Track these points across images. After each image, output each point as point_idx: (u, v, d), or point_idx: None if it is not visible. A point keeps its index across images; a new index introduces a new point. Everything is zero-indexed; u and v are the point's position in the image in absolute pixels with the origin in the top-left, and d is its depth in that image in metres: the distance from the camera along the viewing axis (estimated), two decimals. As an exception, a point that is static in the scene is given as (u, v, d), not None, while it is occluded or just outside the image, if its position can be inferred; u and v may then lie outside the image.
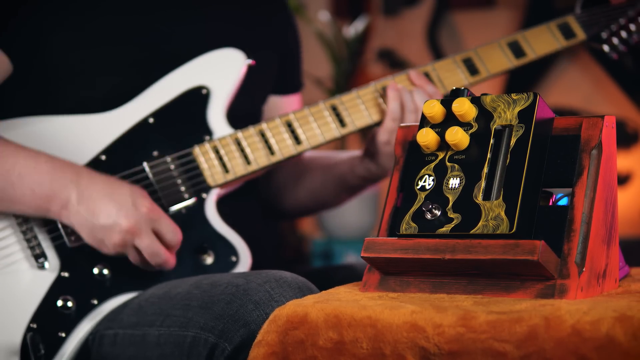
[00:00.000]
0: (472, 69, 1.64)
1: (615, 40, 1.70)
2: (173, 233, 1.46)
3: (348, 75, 3.95)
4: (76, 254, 1.49)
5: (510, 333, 0.94)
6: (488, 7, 3.88)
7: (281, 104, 1.79)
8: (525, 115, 1.09)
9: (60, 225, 1.48)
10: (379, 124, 1.62)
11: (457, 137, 1.09)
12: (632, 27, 1.69)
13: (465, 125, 1.11)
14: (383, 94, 1.62)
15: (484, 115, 1.11)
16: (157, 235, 1.45)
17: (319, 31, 3.85)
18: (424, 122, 1.14)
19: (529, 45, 1.66)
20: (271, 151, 1.58)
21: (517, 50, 1.65)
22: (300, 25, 1.90)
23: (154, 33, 1.60)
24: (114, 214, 1.42)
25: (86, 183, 1.43)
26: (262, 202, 1.82)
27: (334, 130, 1.60)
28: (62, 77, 1.55)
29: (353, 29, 3.96)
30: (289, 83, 1.82)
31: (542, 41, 1.67)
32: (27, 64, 1.54)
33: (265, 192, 1.83)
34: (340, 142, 3.63)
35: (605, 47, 1.70)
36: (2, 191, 1.43)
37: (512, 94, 1.11)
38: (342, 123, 1.61)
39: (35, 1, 1.55)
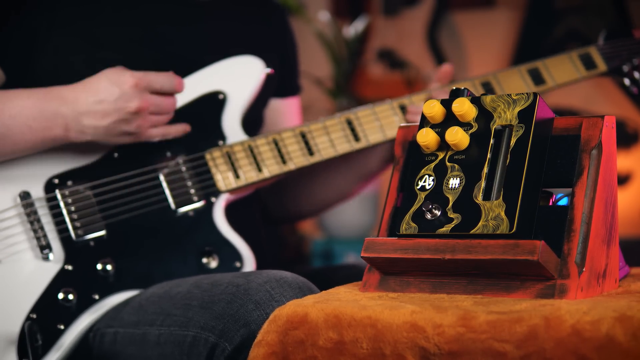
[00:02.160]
0: (490, 94, 1.64)
1: (636, 75, 1.69)
2: (168, 81, 1.49)
3: (348, 75, 3.95)
4: (81, 248, 1.49)
5: (510, 333, 0.94)
6: (488, 7, 3.88)
7: (282, 107, 1.80)
8: (525, 115, 1.09)
9: (67, 218, 1.49)
10: (392, 140, 1.63)
11: (457, 137, 1.09)
12: None
13: (465, 125, 1.11)
14: (399, 112, 1.62)
15: (484, 115, 1.11)
16: (159, 92, 1.49)
17: (319, 31, 3.85)
18: (424, 122, 1.14)
19: (549, 73, 1.66)
20: (283, 160, 1.58)
21: (536, 77, 1.66)
22: (300, 25, 1.91)
23: (156, 33, 1.60)
24: (115, 111, 1.44)
25: (72, 98, 1.45)
26: (275, 210, 1.82)
27: (347, 144, 1.61)
28: (60, 80, 1.55)
29: (353, 29, 3.96)
30: (289, 86, 1.82)
31: (563, 70, 1.66)
32: (23, 68, 1.54)
33: (278, 200, 1.83)
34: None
35: (626, 81, 1.70)
36: (1, 136, 1.44)
37: (512, 94, 1.11)
38: (356, 138, 1.62)
39: (31, 3, 1.55)
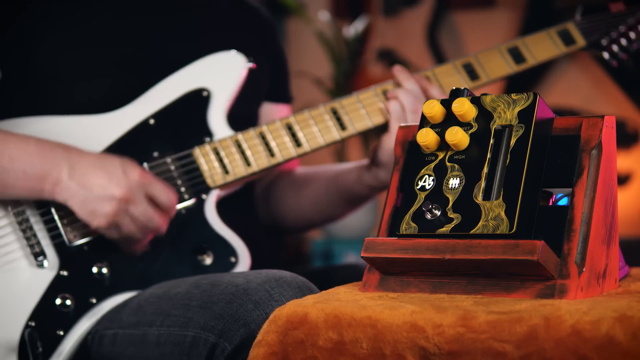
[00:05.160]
0: (472, 74, 1.64)
1: (615, 48, 1.70)
2: (167, 195, 1.47)
3: (348, 75, 3.96)
4: (75, 253, 1.49)
5: (510, 333, 0.94)
6: (488, 7, 3.88)
7: (273, 111, 1.79)
8: (525, 115, 1.09)
9: (59, 224, 1.49)
10: (378, 127, 1.62)
11: (457, 137, 1.09)
12: (632, 34, 1.70)
13: (465, 125, 1.11)
14: (384, 98, 1.62)
15: (484, 115, 1.11)
16: (151, 199, 1.46)
17: (319, 31, 3.85)
18: (424, 122, 1.14)
19: (528, 51, 1.66)
20: (271, 153, 1.58)
21: (517, 55, 1.66)
22: (300, 25, 1.91)
23: (147, 35, 1.61)
24: (105, 184, 1.43)
25: (76, 159, 1.44)
26: (263, 220, 1.82)
27: (334, 133, 1.61)
28: (56, 79, 1.55)
29: (353, 29, 3.96)
30: (280, 92, 1.82)
31: (542, 47, 1.67)
32: (19, 67, 1.54)
33: (266, 210, 1.83)
34: (339, 144, 3.63)
35: (605, 55, 1.70)
36: None
37: (512, 94, 1.11)
38: (342, 126, 1.61)
39: (27, 4, 1.55)
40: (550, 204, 1.10)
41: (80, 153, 1.46)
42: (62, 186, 1.43)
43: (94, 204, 1.43)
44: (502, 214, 1.05)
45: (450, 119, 1.13)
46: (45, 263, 1.48)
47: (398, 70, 1.61)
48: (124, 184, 1.43)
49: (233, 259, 1.55)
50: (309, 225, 1.88)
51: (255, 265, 1.58)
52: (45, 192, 1.44)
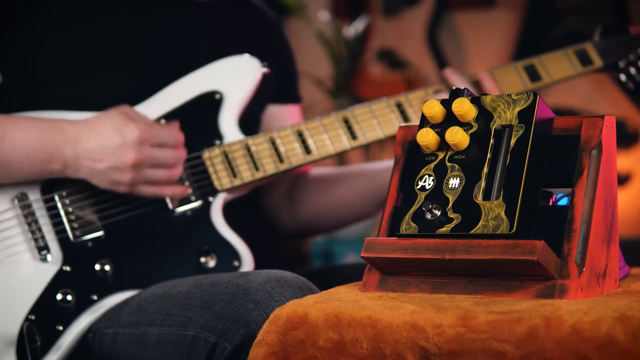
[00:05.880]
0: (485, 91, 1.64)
1: (632, 70, 1.69)
2: (172, 136, 1.49)
3: (348, 75, 3.96)
4: (79, 249, 1.50)
5: (510, 333, 0.94)
6: (488, 7, 3.88)
7: (280, 113, 1.79)
8: (525, 115, 1.09)
9: (64, 219, 1.49)
10: (389, 138, 1.62)
11: (457, 137, 1.09)
12: None
13: (465, 125, 1.11)
14: (396, 109, 1.62)
15: (484, 115, 1.11)
16: (160, 144, 1.48)
17: (319, 31, 3.85)
18: (424, 122, 1.14)
19: (545, 69, 1.66)
20: (280, 159, 1.58)
21: (532, 73, 1.65)
22: (300, 25, 1.90)
23: (150, 35, 1.60)
24: (112, 158, 1.44)
25: (73, 136, 1.45)
26: (287, 223, 1.80)
27: (344, 142, 1.61)
28: (58, 80, 1.55)
29: (353, 29, 3.96)
30: (287, 92, 1.81)
31: (559, 66, 1.66)
32: (20, 68, 1.54)
33: (291, 212, 1.82)
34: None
35: (622, 77, 1.69)
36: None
37: (512, 94, 1.11)
38: (353, 136, 1.61)
39: (31, 3, 1.55)
40: (550, 204, 1.10)
41: (75, 127, 1.46)
42: (72, 167, 1.45)
43: (111, 174, 1.46)
44: (502, 214, 1.05)
45: (451, 119, 1.13)
46: (49, 257, 1.49)
47: (450, 73, 1.61)
48: (127, 151, 1.44)
49: (236, 263, 1.55)
50: (339, 224, 1.85)
51: (256, 266, 1.58)
52: (56, 172, 1.47)
